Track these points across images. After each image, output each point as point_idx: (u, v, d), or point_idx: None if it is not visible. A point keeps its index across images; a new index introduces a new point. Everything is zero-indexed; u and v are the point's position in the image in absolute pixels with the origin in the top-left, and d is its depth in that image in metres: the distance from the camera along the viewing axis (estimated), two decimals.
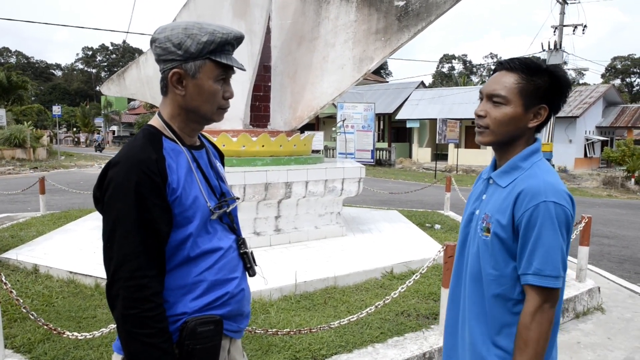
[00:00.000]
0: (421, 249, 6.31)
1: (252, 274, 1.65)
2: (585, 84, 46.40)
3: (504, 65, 1.59)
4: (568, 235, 1.48)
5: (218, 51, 1.48)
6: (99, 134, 40.34)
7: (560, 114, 25.34)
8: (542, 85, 1.54)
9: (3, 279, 3.33)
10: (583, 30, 25.62)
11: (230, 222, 1.63)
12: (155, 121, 1.55)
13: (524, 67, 1.54)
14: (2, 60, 73.28)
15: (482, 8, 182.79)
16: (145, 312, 1.34)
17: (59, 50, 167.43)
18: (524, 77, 1.54)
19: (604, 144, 30.73)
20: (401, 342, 3.80)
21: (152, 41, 1.50)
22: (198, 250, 1.48)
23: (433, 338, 3.88)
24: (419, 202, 12.86)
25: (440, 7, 6.52)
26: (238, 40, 1.53)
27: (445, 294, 3.93)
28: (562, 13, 24.90)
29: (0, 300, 3.48)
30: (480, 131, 1.62)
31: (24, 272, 5.30)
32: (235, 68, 1.53)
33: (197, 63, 1.46)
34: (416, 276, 3.91)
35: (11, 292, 3.33)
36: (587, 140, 29.49)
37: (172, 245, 1.45)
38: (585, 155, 29.44)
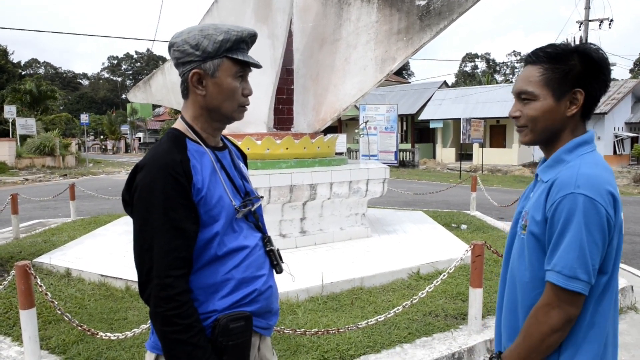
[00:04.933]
0: (448, 249, 6.26)
1: (279, 271, 1.68)
2: (613, 79, 45.39)
3: (527, 59, 1.51)
4: (602, 236, 1.32)
5: (234, 49, 1.52)
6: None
7: None
8: (570, 69, 1.43)
9: (39, 281, 3.42)
10: (609, 24, 25.13)
11: (256, 221, 1.66)
12: (178, 124, 1.59)
13: (546, 55, 1.45)
14: (31, 71, 75.23)
15: (505, 4, 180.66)
16: (170, 311, 1.38)
17: (83, 59, 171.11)
18: (547, 67, 1.45)
19: (633, 140, 29.97)
20: (429, 343, 3.78)
21: (170, 46, 1.54)
22: (225, 249, 1.51)
23: (462, 338, 3.85)
24: (444, 203, 12.75)
25: (462, 5, 6.47)
26: (252, 38, 1.57)
27: (473, 294, 3.90)
28: (588, 7, 24.43)
29: (36, 302, 3.57)
30: (520, 130, 1.54)
31: (57, 276, 5.44)
32: (252, 66, 1.57)
33: (216, 62, 1.50)
34: (443, 276, 3.88)
35: (46, 294, 3.43)
36: (616, 137, 28.81)
37: (199, 245, 1.48)
38: (615, 152, 28.76)
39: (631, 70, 60.73)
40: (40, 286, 3.44)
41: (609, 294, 1.41)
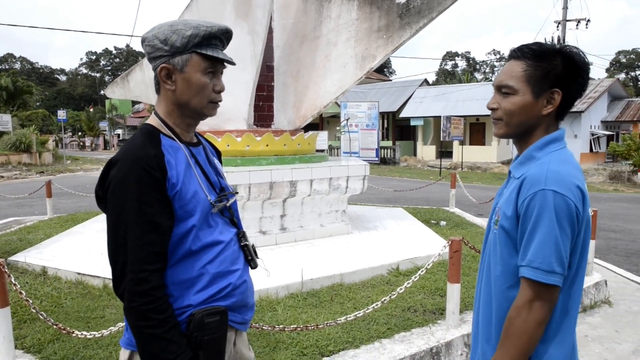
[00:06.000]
0: (427, 245, 6.31)
1: (254, 266, 1.68)
2: (589, 78, 46.11)
3: (512, 54, 1.54)
4: (572, 230, 1.37)
5: (204, 44, 1.51)
6: None
7: None
8: (552, 69, 1.46)
9: (13, 280, 3.36)
10: (586, 24, 25.59)
11: (231, 216, 1.66)
12: (152, 120, 1.59)
13: (531, 52, 1.48)
14: (7, 67, 73.64)
15: (485, 4, 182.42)
16: (144, 306, 1.37)
17: (60, 55, 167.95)
18: (530, 64, 1.47)
19: (609, 138, 30.58)
20: (408, 337, 3.81)
21: (142, 41, 1.54)
22: (200, 244, 1.51)
23: (440, 333, 3.89)
24: (424, 200, 12.86)
25: (441, 3, 6.51)
26: (224, 33, 1.55)
27: (451, 289, 3.94)
28: (565, 8, 24.84)
29: (10, 301, 3.51)
30: (495, 123, 1.57)
31: (33, 274, 5.35)
32: (225, 62, 1.56)
33: (184, 57, 1.50)
34: (422, 272, 3.92)
35: (21, 293, 3.37)
36: (593, 135, 29.37)
37: (174, 240, 1.47)
38: (591, 150, 29.31)
39: (607, 70, 61.89)
40: (15, 284, 3.38)
41: (577, 285, 1.46)
